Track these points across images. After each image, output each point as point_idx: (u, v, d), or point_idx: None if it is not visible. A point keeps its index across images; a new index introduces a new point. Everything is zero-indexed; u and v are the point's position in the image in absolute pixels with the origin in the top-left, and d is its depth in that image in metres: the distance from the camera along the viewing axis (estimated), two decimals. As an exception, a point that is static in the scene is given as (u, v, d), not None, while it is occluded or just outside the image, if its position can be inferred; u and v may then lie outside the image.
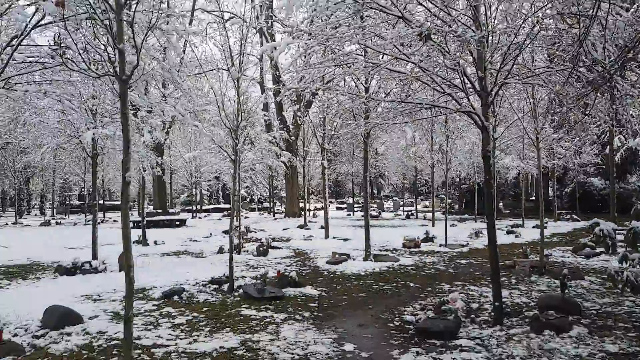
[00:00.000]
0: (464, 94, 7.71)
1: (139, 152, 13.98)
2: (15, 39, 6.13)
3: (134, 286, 4.11)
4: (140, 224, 19.42)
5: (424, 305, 8.69)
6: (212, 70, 11.94)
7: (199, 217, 39.89)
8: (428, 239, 18.03)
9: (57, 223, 36.17)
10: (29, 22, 5.63)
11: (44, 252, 16.95)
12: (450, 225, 22.81)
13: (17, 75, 6.86)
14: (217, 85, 11.06)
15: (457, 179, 38.59)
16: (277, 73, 21.38)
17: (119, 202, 51.70)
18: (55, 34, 4.25)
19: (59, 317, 7.37)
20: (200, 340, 6.75)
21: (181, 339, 6.85)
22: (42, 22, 5.83)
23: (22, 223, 37.59)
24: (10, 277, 12.12)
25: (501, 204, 37.14)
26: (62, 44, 4.30)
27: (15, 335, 7.03)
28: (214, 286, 10.22)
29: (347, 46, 8.92)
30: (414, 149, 24.60)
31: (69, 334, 7.02)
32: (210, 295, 9.51)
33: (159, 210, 31.16)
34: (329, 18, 8.29)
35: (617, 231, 6.35)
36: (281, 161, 18.12)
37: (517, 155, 24.57)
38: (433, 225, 25.30)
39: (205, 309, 8.51)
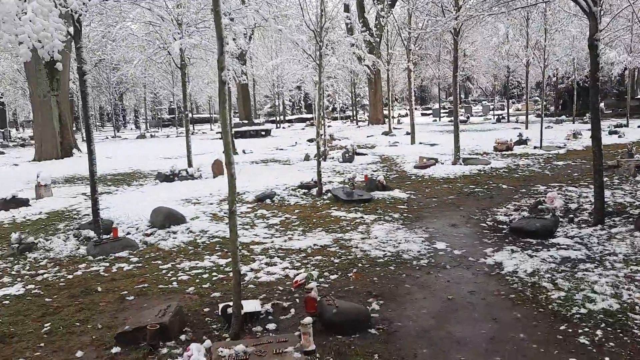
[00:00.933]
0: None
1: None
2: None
3: (235, 181, 4.23)
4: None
5: (518, 206, 8.45)
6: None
7: (283, 127, 40.55)
8: (521, 141, 17.25)
9: (151, 136, 38.25)
10: None
11: (143, 161, 18.08)
12: (546, 128, 21.57)
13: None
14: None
15: (554, 78, 35.93)
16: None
17: (207, 115, 53.57)
18: None
19: (165, 217, 7.92)
20: (294, 239, 7.03)
21: (276, 237, 7.16)
22: None
23: (120, 137, 40.13)
24: (117, 184, 13.10)
25: (603, 103, 34.38)
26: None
27: (128, 233, 7.67)
28: (303, 190, 10.48)
29: None
30: (507, 46, 22.93)
31: (174, 232, 7.55)
32: (300, 199, 9.79)
33: (245, 121, 31.87)
34: None
35: None
36: (365, 65, 17.62)
37: (624, 49, 22.23)
38: (526, 128, 24.06)
39: (296, 210, 8.79)
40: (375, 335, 4.14)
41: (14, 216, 9.42)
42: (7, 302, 5.17)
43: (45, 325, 4.54)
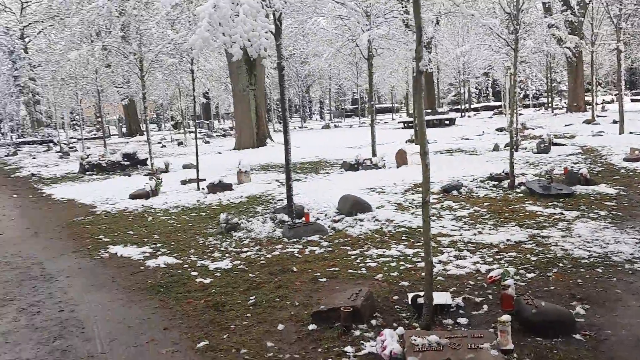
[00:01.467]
0: None
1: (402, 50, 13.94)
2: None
3: (429, 171, 4.14)
4: (410, 125, 19.92)
5: None
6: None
7: (468, 116, 39.11)
8: None
9: (335, 126, 39.88)
10: None
11: (328, 151, 18.91)
12: None
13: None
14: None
15: None
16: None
17: (388, 105, 54.09)
18: None
19: (352, 205, 8.16)
20: (484, 233, 6.71)
21: (465, 230, 6.91)
22: None
23: (306, 127, 42.56)
24: (305, 172, 13.89)
25: None
26: None
27: (318, 219, 8.06)
28: (493, 182, 9.94)
29: None
30: None
31: (361, 220, 7.73)
32: (490, 191, 9.31)
33: (428, 110, 31.41)
34: None
35: None
36: (565, 47, 16.05)
37: None
38: None
39: (486, 203, 8.38)
40: (581, 342, 3.75)
41: (220, 198, 10.55)
42: (218, 274, 5.79)
43: (251, 298, 4.98)
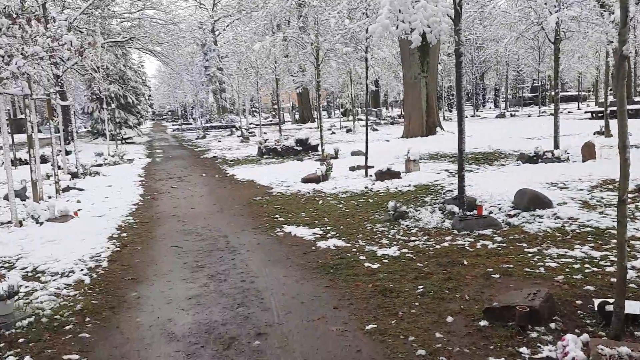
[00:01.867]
0: None
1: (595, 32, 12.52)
2: None
3: (629, 167, 3.68)
4: (599, 115, 17.92)
5: None
6: None
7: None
8: None
9: (511, 115, 37.59)
10: None
11: (503, 141, 17.91)
12: None
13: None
14: None
15: None
16: None
17: (573, 93, 49.35)
18: None
19: (530, 200, 7.62)
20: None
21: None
22: None
23: (479, 115, 40.79)
24: (478, 163, 13.33)
25: None
26: None
27: (491, 212, 7.68)
28: None
29: None
30: None
31: (540, 216, 7.19)
32: (700, 193, 8.01)
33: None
34: None
35: None
36: None
37: None
38: None
39: (695, 207, 7.23)
40: None
41: (387, 186, 10.63)
42: (385, 260, 5.85)
43: (419, 287, 4.94)
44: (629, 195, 8.02)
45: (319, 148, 16.67)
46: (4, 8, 20.02)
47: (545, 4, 11.54)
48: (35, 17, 12.66)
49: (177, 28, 27.99)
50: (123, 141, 28.93)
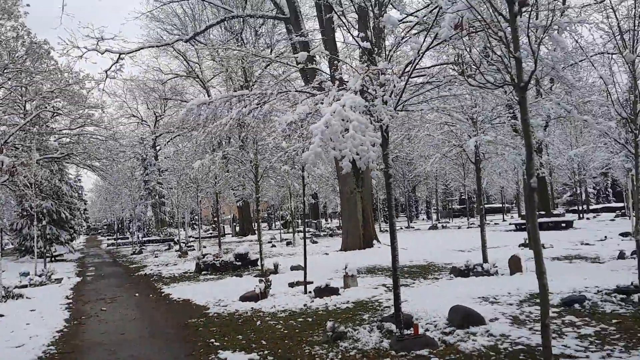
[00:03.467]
0: None
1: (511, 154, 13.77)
2: (409, 65, 6.90)
3: (548, 293, 3.97)
4: (522, 227, 19.06)
5: None
6: (594, 55, 10.85)
7: (587, 218, 36.69)
8: None
9: (442, 227, 39.09)
10: (420, 47, 6.26)
11: (436, 254, 18.48)
12: None
13: (412, 97, 7.69)
14: (604, 72, 9.98)
15: None
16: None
17: (497, 205, 52.39)
18: (455, 55, 4.61)
19: (463, 317, 7.82)
20: (615, 356, 6.08)
21: (591, 351, 6.32)
22: (432, 45, 6.37)
23: (413, 227, 42.13)
24: (413, 277, 13.62)
25: None
26: (462, 62, 4.60)
27: (427, 330, 7.79)
28: (621, 296, 9.09)
29: None
30: None
31: (474, 334, 7.36)
32: (618, 306, 8.50)
33: (542, 212, 29.97)
34: None
35: None
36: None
37: None
38: None
39: (614, 320, 7.64)
40: None
41: (326, 303, 10.60)
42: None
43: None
44: (555, 310, 8.44)
45: (259, 263, 16.56)
46: None
47: (465, 129, 12.67)
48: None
49: (118, 143, 28.12)
50: (53, 259, 27.56)
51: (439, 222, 43.25)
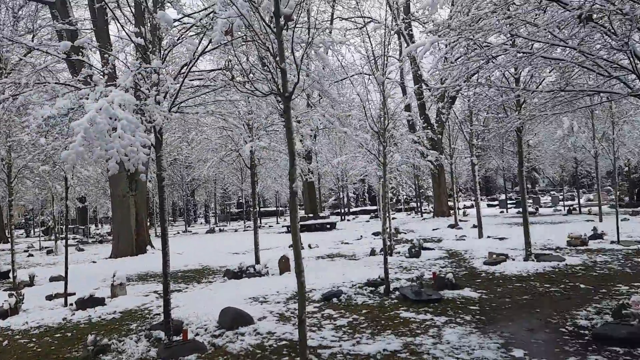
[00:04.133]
0: (634, 75, 6.91)
1: (283, 160, 14.72)
2: (185, 67, 6.83)
3: (304, 289, 4.29)
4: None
5: (599, 309, 7.93)
6: (354, 75, 12.14)
7: (347, 220, 40.79)
8: (596, 235, 16.46)
9: (220, 230, 39.42)
10: (196, 50, 6.25)
11: (212, 257, 18.55)
12: (622, 220, 20.58)
13: (187, 99, 7.61)
14: (361, 90, 11.24)
15: (626, 168, 34.63)
16: (419, 73, 21.10)
17: (273, 209, 54.96)
18: (225, 61, 4.70)
19: (233, 318, 8.00)
20: (362, 342, 6.87)
21: (344, 340, 7.03)
22: (208, 49, 6.40)
23: (190, 231, 41.60)
24: (187, 281, 13.44)
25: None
26: (232, 69, 4.71)
27: (197, 334, 7.77)
28: (370, 288, 10.34)
29: (493, 38, 8.54)
30: (573, 138, 22.61)
31: (242, 334, 7.58)
32: (368, 298, 9.64)
33: (310, 215, 32.41)
34: (469, 11, 8.00)
35: None
36: (428, 160, 17.79)
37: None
38: (600, 220, 23.00)
39: (364, 311, 8.64)
40: None
41: (89, 315, 9.80)
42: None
43: None
44: (316, 305, 9.18)
45: (11, 275, 14.50)
46: None
47: (241, 134, 13.02)
48: None
49: None
50: None
51: (217, 226, 43.53)
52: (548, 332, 6.96)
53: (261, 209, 52.94)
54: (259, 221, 42.97)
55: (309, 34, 4.71)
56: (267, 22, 4.47)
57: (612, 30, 6.58)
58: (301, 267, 4.31)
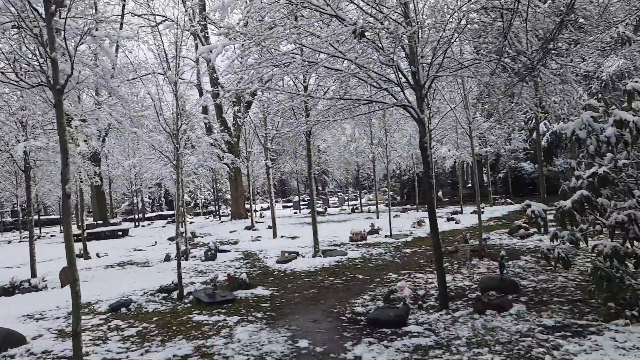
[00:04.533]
0: (399, 88, 7.95)
1: (75, 163, 13.53)
2: None
3: (80, 299, 4.02)
4: (80, 237, 18.71)
5: (374, 295, 8.92)
6: (147, 74, 11.72)
7: (142, 226, 38.84)
8: (373, 231, 18.41)
9: (-11, 242, 34.26)
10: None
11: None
12: (394, 217, 23.35)
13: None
14: (154, 90, 10.86)
15: (398, 171, 39.44)
16: (215, 75, 21.15)
17: (56, 217, 49.62)
18: (-19, 48, 4.10)
19: (2, 339, 7.07)
20: (152, 351, 6.66)
21: (132, 350, 6.73)
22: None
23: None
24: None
25: (440, 192, 38.36)
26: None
27: (-46, 363, 6.70)
28: (163, 295, 10.06)
29: (283, 46, 9.02)
30: (355, 144, 25.01)
31: (12, 356, 6.76)
32: (160, 304, 9.36)
33: (100, 222, 30.16)
34: (263, 19, 8.35)
35: (547, 211, 6.77)
36: (224, 163, 17.93)
37: (453, 145, 25.45)
38: (377, 217, 25.79)
39: (155, 318, 8.38)
40: None
41: None
42: None
43: None
44: (103, 317, 8.61)
45: None
46: None
47: (13, 132, 11.55)
48: None
49: None
50: None
51: (-16, 238, 37.67)
52: (330, 321, 7.59)
53: (42, 217, 47.31)
54: (39, 230, 38.42)
55: (84, 23, 4.40)
56: (34, 6, 4.07)
57: (381, 47, 7.47)
58: (75, 274, 4.04)
